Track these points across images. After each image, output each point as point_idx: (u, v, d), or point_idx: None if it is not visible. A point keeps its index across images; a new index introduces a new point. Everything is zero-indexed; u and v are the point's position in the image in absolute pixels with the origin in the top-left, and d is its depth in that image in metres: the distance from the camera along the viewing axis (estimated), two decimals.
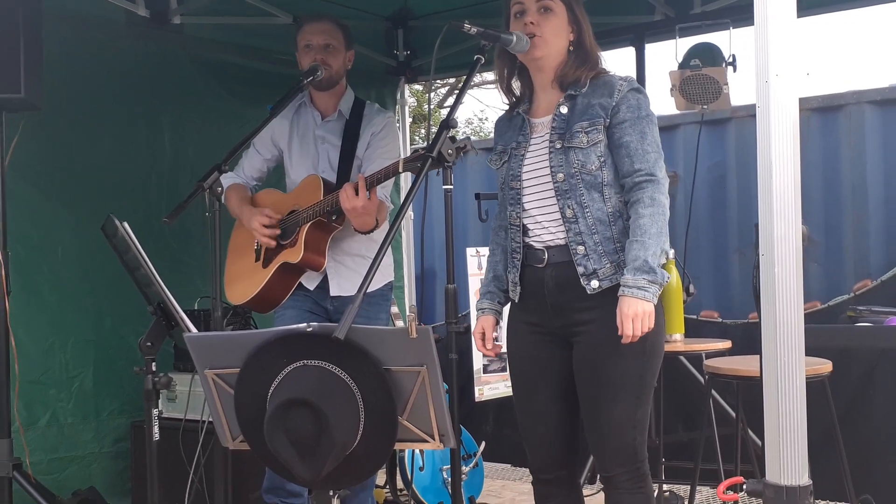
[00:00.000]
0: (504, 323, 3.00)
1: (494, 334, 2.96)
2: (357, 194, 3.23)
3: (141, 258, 2.81)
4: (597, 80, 2.74)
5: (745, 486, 1.76)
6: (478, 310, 3.01)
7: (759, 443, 3.32)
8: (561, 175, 2.70)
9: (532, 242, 2.79)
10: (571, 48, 2.76)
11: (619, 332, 2.55)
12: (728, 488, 1.82)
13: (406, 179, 4.89)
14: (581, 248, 2.68)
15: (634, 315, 2.53)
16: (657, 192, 2.63)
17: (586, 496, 4.55)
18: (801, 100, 1.84)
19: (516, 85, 2.92)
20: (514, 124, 2.89)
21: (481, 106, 21.75)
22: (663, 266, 2.61)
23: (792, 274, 1.73)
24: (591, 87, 2.73)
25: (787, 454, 1.72)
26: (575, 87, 2.75)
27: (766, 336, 1.75)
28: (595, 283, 2.67)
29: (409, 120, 6.09)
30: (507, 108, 2.98)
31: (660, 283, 2.57)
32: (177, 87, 4.71)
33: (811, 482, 1.76)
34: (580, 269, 2.68)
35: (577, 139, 2.68)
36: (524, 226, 2.80)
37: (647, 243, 2.57)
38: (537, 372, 2.84)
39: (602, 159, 2.68)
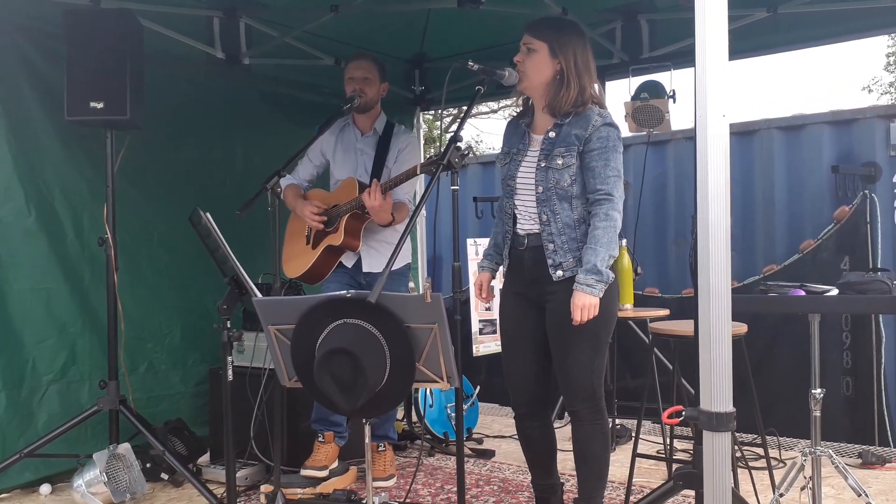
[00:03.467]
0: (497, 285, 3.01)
1: (490, 287, 3.00)
2: (371, 196, 3.26)
3: (219, 241, 2.81)
4: (580, 114, 2.69)
5: (684, 413, 1.76)
6: (479, 267, 3.02)
7: (690, 388, 3.32)
8: (541, 188, 2.70)
9: (517, 230, 2.79)
10: (557, 77, 2.71)
11: (572, 317, 2.57)
12: (671, 415, 1.82)
13: (422, 186, 4.88)
14: (551, 245, 2.69)
15: (583, 306, 2.56)
16: (612, 209, 2.62)
17: (557, 428, 4.58)
18: None
19: (529, 102, 2.88)
20: (518, 132, 2.86)
21: (478, 131, 21.70)
22: (611, 266, 2.62)
23: (722, 247, 1.72)
24: (574, 119, 2.70)
25: (717, 388, 1.72)
26: (563, 117, 2.71)
27: (702, 298, 1.75)
28: (559, 273, 2.68)
29: (422, 142, 6.06)
30: (514, 115, 2.96)
31: (605, 282, 2.58)
32: (245, 112, 4.69)
33: (735, 410, 1.76)
34: (549, 261, 2.69)
35: (555, 162, 2.67)
36: (514, 215, 2.80)
37: (598, 251, 2.58)
38: (520, 329, 2.84)
39: (573, 178, 2.67)
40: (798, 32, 4.27)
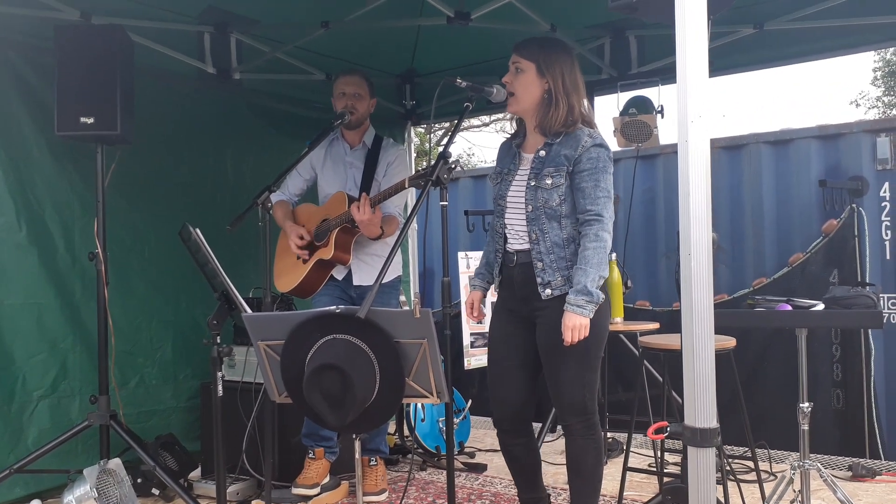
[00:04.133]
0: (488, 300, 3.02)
1: (481, 305, 2.99)
2: (360, 210, 3.28)
3: (209, 256, 2.81)
4: (570, 134, 2.70)
5: (668, 428, 1.77)
6: (470, 285, 3.02)
7: (681, 401, 3.32)
8: (531, 206, 2.71)
9: (508, 248, 2.80)
10: (545, 96, 2.73)
11: (563, 338, 2.57)
12: (656, 430, 1.82)
13: (413, 199, 4.89)
14: (540, 263, 2.70)
15: (574, 327, 2.56)
16: (601, 230, 2.62)
17: (549, 442, 4.59)
18: (712, 140, 1.86)
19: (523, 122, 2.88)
20: (510, 153, 2.88)
21: (469, 145, 21.77)
22: (602, 286, 2.62)
23: (704, 265, 1.73)
24: (564, 139, 2.70)
25: (701, 404, 1.73)
26: (553, 136, 2.72)
27: (685, 313, 1.76)
28: (548, 292, 2.69)
29: (413, 155, 6.08)
30: (508, 135, 2.97)
31: (595, 302, 2.58)
32: (236, 126, 4.70)
33: (719, 426, 1.76)
34: (538, 280, 2.70)
35: (544, 182, 2.68)
36: (505, 234, 2.81)
37: (588, 272, 2.58)
38: (508, 346, 2.84)
39: (562, 197, 2.67)
40: (785, 48, 4.32)
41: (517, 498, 3.01)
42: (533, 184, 2.71)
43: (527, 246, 2.73)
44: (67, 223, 3.84)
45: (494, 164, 2.97)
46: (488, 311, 3.03)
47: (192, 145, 4.45)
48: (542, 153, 2.73)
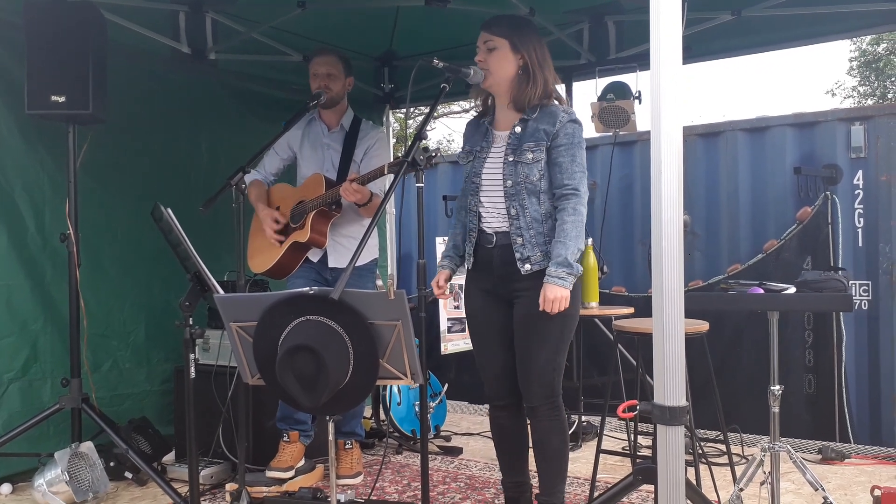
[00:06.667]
0: (460, 283, 3.02)
1: (448, 284, 2.99)
2: (351, 193, 3.28)
3: (181, 237, 2.78)
4: (545, 109, 2.73)
5: (638, 407, 1.78)
6: (439, 266, 3.02)
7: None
8: (510, 182, 2.72)
9: (484, 227, 2.80)
10: (520, 72, 2.74)
11: (541, 309, 2.61)
12: (625, 409, 1.84)
13: (389, 180, 4.88)
14: (520, 239, 2.71)
15: (555, 298, 2.59)
16: (578, 204, 2.67)
17: None
18: (688, 126, 1.87)
19: (489, 101, 2.89)
20: (479, 131, 2.88)
21: (449, 131, 21.69)
22: (579, 260, 2.66)
23: (675, 245, 1.74)
24: (540, 114, 2.73)
25: (670, 383, 1.74)
26: (528, 112, 2.74)
27: (655, 291, 1.77)
28: (528, 266, 2.70)
29: (392, 140, 6.06)
30: (474, 115, 2.98)
31: (575, 275, 2.63)
32: (211, 107, 4.65)
33: (689, 405, 1.78)
34: (517, 255, 2.71)
35: (525, 156, 2.69)
36: (479, 213, 2.81)
37: (568, 244, 2.62)
38: (489, 326, 2.85)
39: (541, 172, 2.71)
40: (762, 35, 4.34)
41: (496, 481, 3.03)
42: (512, 159, 2.72)
43: (506, 225, 2.74)
44: (38, 204, 3.78)
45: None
46: (457, 291, 3.02)
47: (166, 126, 4.40)
48: (518, 129, 2.74)
